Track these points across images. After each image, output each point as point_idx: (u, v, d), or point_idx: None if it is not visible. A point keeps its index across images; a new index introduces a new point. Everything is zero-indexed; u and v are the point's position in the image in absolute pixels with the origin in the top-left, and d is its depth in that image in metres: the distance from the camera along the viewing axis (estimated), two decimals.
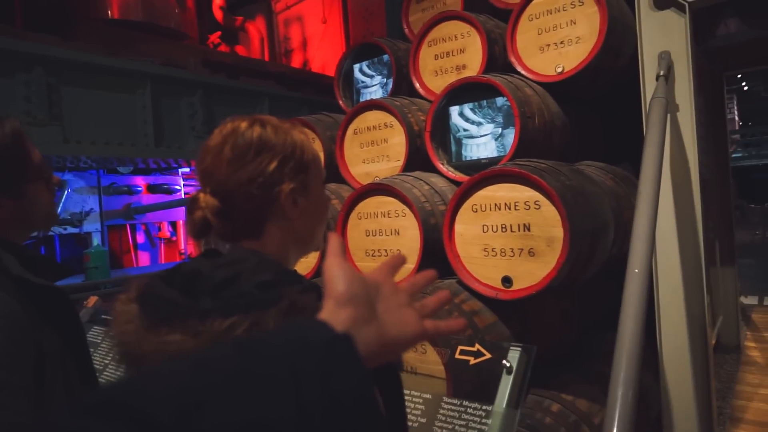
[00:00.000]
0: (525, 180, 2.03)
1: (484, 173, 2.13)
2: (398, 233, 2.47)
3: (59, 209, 7.04)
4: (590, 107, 3.08)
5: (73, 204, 6.78)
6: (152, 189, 7.75)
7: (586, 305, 2.68)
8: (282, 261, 0.95)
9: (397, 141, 2.84)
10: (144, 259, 8.22)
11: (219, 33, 7.71)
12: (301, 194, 0.95)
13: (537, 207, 2.02)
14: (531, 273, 2.05)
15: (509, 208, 2.09)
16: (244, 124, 0.93)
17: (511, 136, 2.44)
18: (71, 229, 6.78)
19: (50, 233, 7.17)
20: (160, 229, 8.37)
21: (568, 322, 2.53)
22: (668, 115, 2.04)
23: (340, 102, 3.55)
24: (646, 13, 2.25)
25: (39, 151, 1.30)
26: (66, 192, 6.93)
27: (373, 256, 2.57)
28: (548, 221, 2.00)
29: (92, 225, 6.97)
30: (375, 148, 2.93)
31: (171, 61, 4.86)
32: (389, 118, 2.86)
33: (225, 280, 0.80)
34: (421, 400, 1.72)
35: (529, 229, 2.04)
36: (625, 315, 1.39)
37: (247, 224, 0.92)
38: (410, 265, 2.43)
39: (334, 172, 3.10)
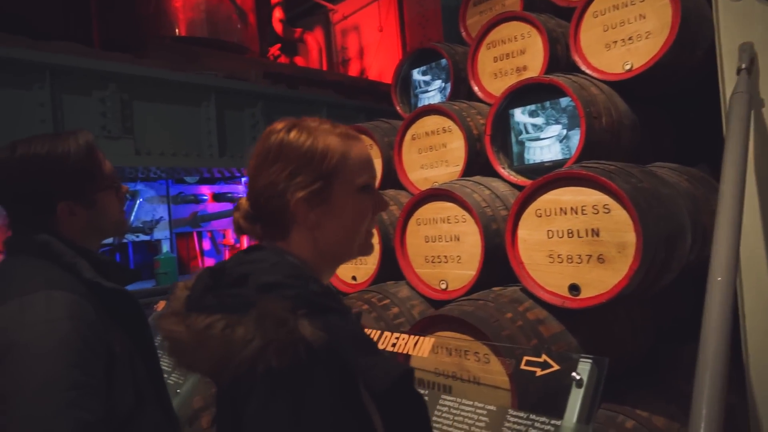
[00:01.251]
0: (593, 183, 1.93)
1: (548, 176, 2.04)
2: (458, 239, 2.42)
3: (132, 218, 7.45)
4: (662, 105, 2.91)
5: (145, 213, 7.13)
6: (217, 198, 8.03)
7: (660, 313, 2.52)
8: (314, 266, 0.96)
9: (456, 145, 2.79)
10: (210, 265, 8.52)
11: (279, 45, 7.92)
12: (317, 203, 0.93)
13: (606, 211, 1.92)
14: (600, 281, 1.95)
15: (576, 213, 2.00)
16: (278, 127, 0.96)
17: (576, 138, 2.34)
18: (143, 237, 7.14)
19: (124, 240, 7.58)
20: (224, 236, 8.66)
21: (641, 332, 2.39)
22: (751, 111, 1.89)
23: (398, 108, 3.54)
24: (724, 2, 2.10)
25: (111, 163, 1.36)
26: (138, 202, 7.32)
27: (432, 262, 2.52)
28: (619, 226, 1.89)
29: (162, 233, 7.30)
30: (433, 153, 2.89)
31: (234, 74, 5.03)
32: (447, 123, 2.82)
33: (238, 278, 0.87)
34: (485, 412, 1.66)
35: (597, 235, 1.94)
36: (708, 328, 1.29)
37: (272, 227, 0.96)
38: (471, 271, 2.37)
39: (393, 178, 3.09)
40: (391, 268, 2.72)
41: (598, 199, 1.93)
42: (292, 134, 0.94)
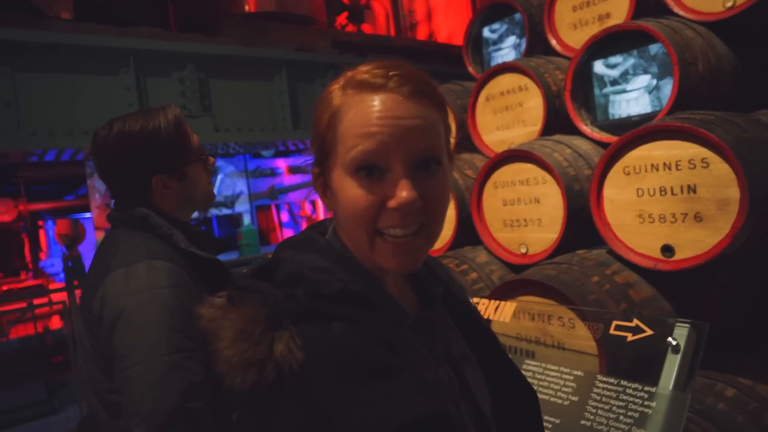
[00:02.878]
0: (689, 135, 1.77)
1: (637, 131, 1.90)
2: (538, 201, 2.32)
3: (216, 192, 7.83)
4: None
5: (226, 187, 7.47)
6: (292, 170, 8.25)
7: (765, 276, 2.31)
8: (360, 257, 0.74)
9: (533, 104, 2.66)
10: (288, 236, 8.86)
11: (346, 14, 7.88)
12: (324, 185, 0.76)
13: (704, 165, 1.76)
14: (697, 241, 1.81)
15: (669, 169, 1.85)
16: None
17: (668, 88, 2.16)
18: (225, 211, 7.51)
19: (208, 215, 8.01)
20: (301, 208, 8.92)
21: (743, 296, 2.21)
22: None
23: (470, 69, 3.42)
24: None
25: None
26: (219, 177, 7.67)
27: (511, 226, 2.45)
28: (719, 181, 1.73)
29: (242, 206, 7.64)
30: (509, 113, 2.78)
31: (303, 46, 5.06)
32: (524, 80, 2.69)
33: (268, 264, 0.75)
34: (571, 378, 1.61)
35: (694, 191, 1.79)
36: None
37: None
38: (552, 234, 2.28)
39: (467, 141, 3.01)
40: (467, 234, 2.68)
41: (695, 153, 1.77)
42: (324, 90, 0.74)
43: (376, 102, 0.67)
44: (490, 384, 0.86)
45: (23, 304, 6.11)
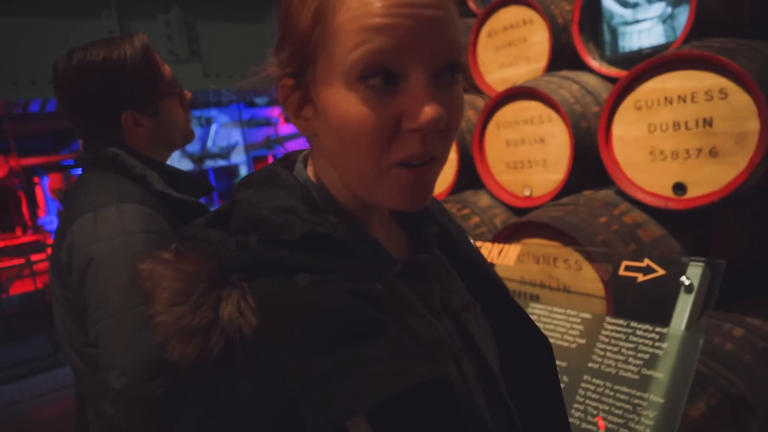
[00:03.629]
0: (707, 64, 1.65)
1: (650, 60, 1.78)
2: (543, 141, 2.22)
3: (210, 144, 7.67)
4: None
5: (221, 138, 7.33)
6: (288, 119, 8.08)
7: None
8: (338, 193, 0.62)
9: (538, 39, 2.51)
10: None
11: None
12: (302, 101, 0.59)
13: (722, 96, 1.65)
14: (711, 177, 1.72)
15: (684, 101, 1.74)
16: None
17: (683, 17, 2.01)
18: (221, 162, 7.39)
19: (204, 167, 7.88)
20: None
21: (755, 234, 2.15)
22: None
23: (470, 4, 3.24)
24: None
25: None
26: (214, 128, 7.50)
27: (515, 168, 2.36)
28: (737, 113, 1.63)
29: (239, 157, 7.51)
30: (512, 49, 2.63)
31: None
32: (528, 13, 2.52)
33: (226, 207, 0.62)
34: (579, 320, 1.56)
35: (710, 125, 1.69)
36: None
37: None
38: (558, 175, 2.19)
39: (468, 81, 2.87)
40: (469, 177, 2.59)
41: (712, 83, 1.66)
42: None
43: None
44: (498, 335, 0.74)
45: (21, 260, 6.09)
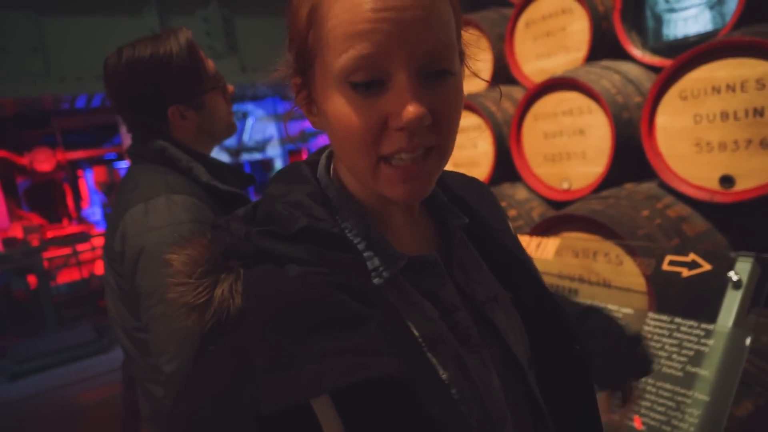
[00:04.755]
0: (759, 50, 1.59)
1: (698, 48, 1.72)
2: (583, 133, 2.18)
3: (247, 138, 7.80)
4: None
5: (256, 132, 7.43)
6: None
7: None
8: (354, 188, 0.66)
9: (577, 27, 2.46)
10: None
11: None
12: (307, 99, 0.63)
13: None
14: (762, 170, 1.66)
15: (733, 90, 1.68)
16: None
17: (733, 2, 1.93)
18: (257, 155, 7.51)
19: (240, 161, 8.02)
20: None
21: None
22: None
23: None
24: None
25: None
26: (250, 121, 7.61)
27: (553, 160, 2.32)
28: None
29: (274, 150, 7.61)
30: (551, 39, 2.58)
31: None
32: (567, 2, 2.47)
33: (257, 203, 0.68)
34: (620, 315, 1.53)
35: (761, 115, 1.63)
36: None
37: None
38: (598, 168, 2.15)
39: (505, 72, 2.83)
40: (505, 170, 2.56)
41: (764, 71, 1.59)
42: None
43: None
44: (529, 327, 0.74)
45: (68, 250, 6.33)
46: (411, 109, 0.52)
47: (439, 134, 0.56)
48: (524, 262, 0.76)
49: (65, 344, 5.25)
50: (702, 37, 2.05)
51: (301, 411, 0.50)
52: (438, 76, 0.55)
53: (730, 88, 1.68)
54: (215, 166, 1.27)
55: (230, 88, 1.35)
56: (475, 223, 0.74)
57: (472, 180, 0.85)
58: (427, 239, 0.70)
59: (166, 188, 1.14)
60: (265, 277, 0.56)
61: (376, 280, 0.59)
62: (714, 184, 1.77)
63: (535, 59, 2.68)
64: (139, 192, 1.16)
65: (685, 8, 2.10)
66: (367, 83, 0.53)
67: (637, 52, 2.23)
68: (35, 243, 6.89)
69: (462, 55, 0.62)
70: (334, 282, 0.56)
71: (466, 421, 0.58)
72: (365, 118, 0.54)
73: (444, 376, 0.58)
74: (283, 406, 0.48)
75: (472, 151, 2.75)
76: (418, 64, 0.53)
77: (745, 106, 1.66)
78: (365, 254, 0.60)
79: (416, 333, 0.59)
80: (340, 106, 0.55)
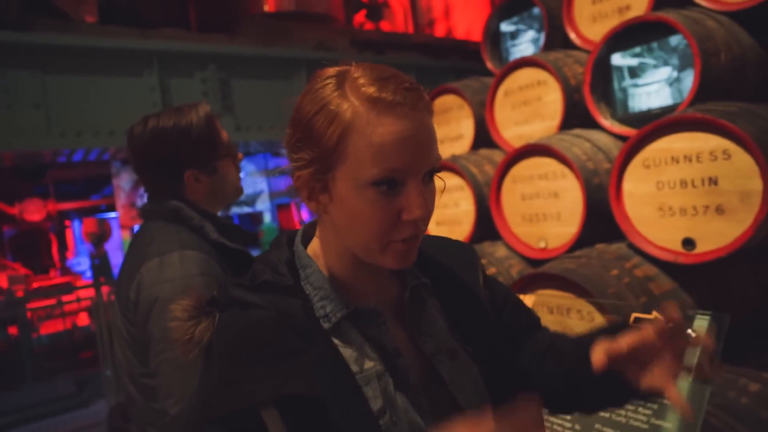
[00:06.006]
0: (710, 126, 1.76)
1: (658, 122, 1.89)
2: (557, 195, 2.32)
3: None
4: None
5: (246, 186, 7.57)
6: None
7: None
8: (341, 258, 0.81)
9: (551, 98, 2.66)
10: None
11: (364, 11, 7.90)
12: (318, 190, 0.76)
13: (726, 157, 1.74)
14: (719, 233, 1.79)
15: (690, 161, 1.84)
16: (318, 74, 0.78)
17: (689, 80, 2.13)
18: (246, 209, 7.61)
19: (230, 213, 8.13)
20: None
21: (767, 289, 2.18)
22: None
23: (488, 64, 3.42)
24: None
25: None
26: (242, 176, 7.75)
27: (530, 221, 2.45)
28: (741, 173, 1.71)
29: (263, 204, 7.72)
30: (528, 108, 2.77)
31: (322, 44, 5.11)
32: (542, 75, 2.68)
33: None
34: None
35: (716, 184, 1.78)
36: None
37: None
38: (571, 229, 2.28)
39: (485, 137, 3.01)
40: (486, 228, 2.69)
41: (716, 145, 1.76)
42: (311, 89, 0.75)
43: (394, 122, 0.69)
44: (492, 379, 0.83)
45: (53, 301, 6.28)
46: (419, 210, 0.71)
47: (427, 221, 0.75)
48: (485, 320, 0.88)
49: (44, 398, 5.13)
50: (664, 110, 2.23)
51: (253, 419, 0.68)
52: (430, 176, 0.74)
53: (687, 158, 1.84)
54: (223, 225, 1.38)
55: (240, 155, 1.48)
56: (446, 282, 0.87)
57: (456, 243, 0.99)
58: (389, 295, 0.85)
59: (179, 244, 1.25)
60: (230, 319, 0.74)
61: (324, 324, 0.76)
62: (677, 246, 1.90)
63: (514, 125, 2.86)
64: (155, 247, 1.26)
65: (648, 84, 2.30)
66: (389, 185, 0.70)
67: (605, 122, 2.41)
68: (20, 294, 6.83)
69: None
70: (282, 323, 0.73)
71: None
72: (386, 213, 0.71)
73: (374, 408, 0.72)
74: (223, 412, 0.67)
75: (454, 210, 2.88)
76: (424, 172, 0.72)
77: (701, 176, 1.81)
78: (319, 303, 0.77)
79: (354, 369, 0.74)
80: (363, 202, 0.70)
